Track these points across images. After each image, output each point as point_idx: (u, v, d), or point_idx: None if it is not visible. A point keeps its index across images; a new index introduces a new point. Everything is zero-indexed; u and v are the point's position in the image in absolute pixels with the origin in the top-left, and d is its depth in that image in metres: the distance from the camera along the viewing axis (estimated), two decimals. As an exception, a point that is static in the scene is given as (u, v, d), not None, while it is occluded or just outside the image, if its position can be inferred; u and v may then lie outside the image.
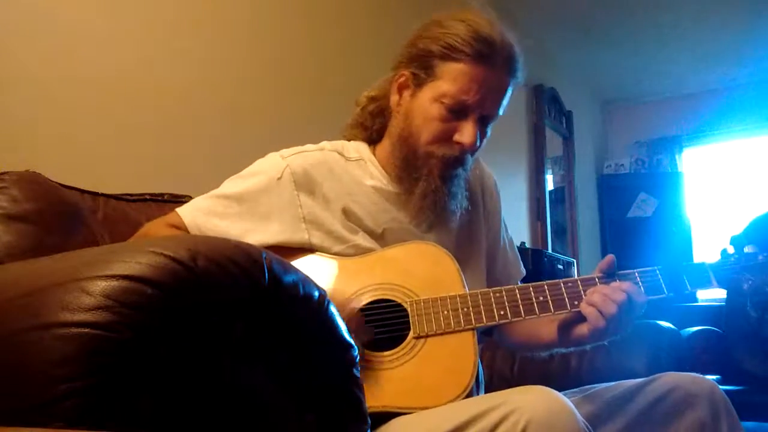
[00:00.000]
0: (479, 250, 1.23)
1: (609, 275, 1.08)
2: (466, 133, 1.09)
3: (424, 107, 1.11)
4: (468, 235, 1.22)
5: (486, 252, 1.25)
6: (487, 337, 1.31)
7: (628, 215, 4.65)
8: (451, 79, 1.08)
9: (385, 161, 1.18)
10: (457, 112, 1.09)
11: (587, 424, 0.81)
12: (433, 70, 1.10)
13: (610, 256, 1.10)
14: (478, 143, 1.11)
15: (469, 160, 1.14)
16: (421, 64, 1.11)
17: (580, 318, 1.05)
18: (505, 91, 1.12)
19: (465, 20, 1.10)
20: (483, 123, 1.12)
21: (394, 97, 1.16)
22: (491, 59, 1.08)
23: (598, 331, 1.02)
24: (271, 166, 1.14)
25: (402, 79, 1.14)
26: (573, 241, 4.09)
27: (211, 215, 1.10)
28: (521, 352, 1.22)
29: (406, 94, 1.14)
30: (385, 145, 1.19)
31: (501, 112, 1.13)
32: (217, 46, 1.91)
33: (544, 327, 1.16)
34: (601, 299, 1.01)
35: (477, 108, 1.09)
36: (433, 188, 1.11)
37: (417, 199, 1.13)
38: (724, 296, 2.84)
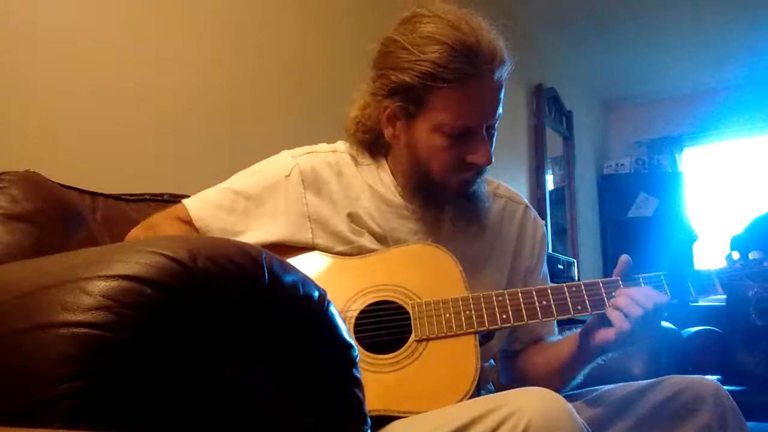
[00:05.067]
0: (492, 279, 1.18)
1: (631, 278, 1.06)
2: (479, 152, 1.04)
3: (425, 139, 1.05)
4: (484, 261, 1.17)
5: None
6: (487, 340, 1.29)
7: (628, 215, 4.64)
8: (443, 107, 1.01)
9: (394, 171, 1.16)
10: (460, 135, 1.04)
11: (586, 426, 0.81)
12: (420, 101, 1.02)
13: (625, 257, 1.07)
14: (492, 156, 1.06)
15: (486, 169, 1.10)
16: (404, 97, 1.03)
17: (603, 324, 1.03)
18: (501, 90, 1.05)
19: (432, 36, 1.00)
20: (489, 128, 1.07)
21: (387, 130, 1.10)
22: (478, 72, 1.00)
23: (624, 335, 1.00)
24: (280, 164, 1.14)
25: (389, 112, 1.07)
26: (573, 241, 4.09)
27: (218, 209, 1.10)
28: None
29: (399, 125, 1.08)
30: (394, 157, 1.15)
31: (501, 110, 1.08)
32: (216, 47, 1.91)
33: (563, 345, 1.14)
34: (626, 302, 1.00)
35: (480, 124, 1.04)
36: (462, 209, 1.11)
37: (449, 224, 1.11)
38: (724, 297, 2.83)
